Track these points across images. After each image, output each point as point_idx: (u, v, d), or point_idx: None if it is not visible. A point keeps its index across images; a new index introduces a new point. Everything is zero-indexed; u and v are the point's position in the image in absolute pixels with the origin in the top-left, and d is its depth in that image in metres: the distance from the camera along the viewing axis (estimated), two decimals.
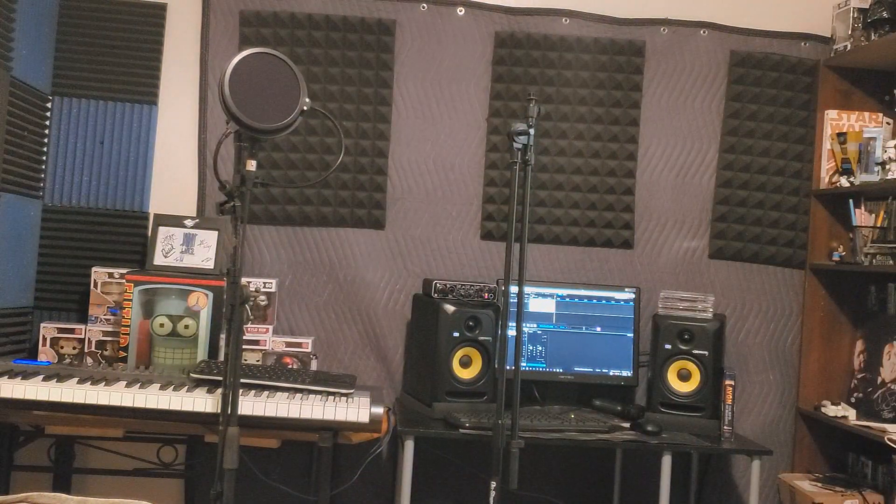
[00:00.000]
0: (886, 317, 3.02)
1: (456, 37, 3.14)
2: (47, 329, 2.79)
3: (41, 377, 2.41)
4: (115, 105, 3.01)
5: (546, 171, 3.15)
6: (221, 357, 2.66)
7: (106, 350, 2.76)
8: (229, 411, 1.98)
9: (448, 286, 2.77)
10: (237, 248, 2.00)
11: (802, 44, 3.24)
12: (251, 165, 2.02)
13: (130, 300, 2.66)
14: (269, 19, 3.08)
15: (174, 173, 3.06)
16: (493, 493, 2.15)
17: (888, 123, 3.10)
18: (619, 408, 2.89)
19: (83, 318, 2.88)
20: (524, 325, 2.78)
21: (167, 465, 2.94)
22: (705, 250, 3.21)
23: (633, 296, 3.01)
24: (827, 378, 3.16)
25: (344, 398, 2.49)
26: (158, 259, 2.79)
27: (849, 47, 3.08)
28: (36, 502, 1.47)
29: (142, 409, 2.35)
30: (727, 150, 3.20)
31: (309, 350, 2.86)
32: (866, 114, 3.15)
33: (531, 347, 2.94)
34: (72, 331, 2.80)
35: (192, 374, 2.49)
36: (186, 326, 2.68)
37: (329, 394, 2.51)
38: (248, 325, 2.83)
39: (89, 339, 2.77)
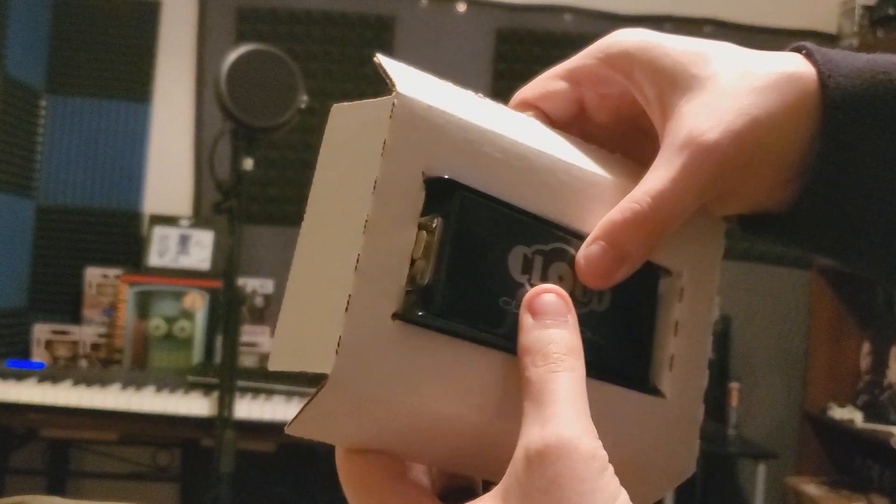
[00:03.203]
0: (894, 318, 2.99)
1: (457, 33, 3.09)
2: (41, 330, 2.75)
3: (35, 379, 2.37)
4: (109, 103, 2.97)
5: None
6: (218, 359, 2.62)
7: (100, 352, 2.72)
8: (226, 415, 1.95)
9: None
10: (234, 249, 1.96)
11: (808, 41, 3.20)
12: (248, 164, 1.99)
13: (125, 301, 2.62)
14: (267, 15, 3.03)
15: (169, 172, 3.02)
16: None
17: None
18: None
19: (77, 319, 2.83)
20: None
21: (163, 470, 2.90)
22: None
23: None
24: (834, 380, 3.12)
25: None
26: (153, 259, 2.75)
27: (855, 45, 3.03)
28: None
29: (137, 413, 2.31)
30: None
31: None
32: None
33: None
34: (66, 332, 2.75)
35: (187, 377, 2.45)
36: (182, 328, 2.63)
37: None
38: (245, 327, 2.79)
39: (83, 340, 2.72)
